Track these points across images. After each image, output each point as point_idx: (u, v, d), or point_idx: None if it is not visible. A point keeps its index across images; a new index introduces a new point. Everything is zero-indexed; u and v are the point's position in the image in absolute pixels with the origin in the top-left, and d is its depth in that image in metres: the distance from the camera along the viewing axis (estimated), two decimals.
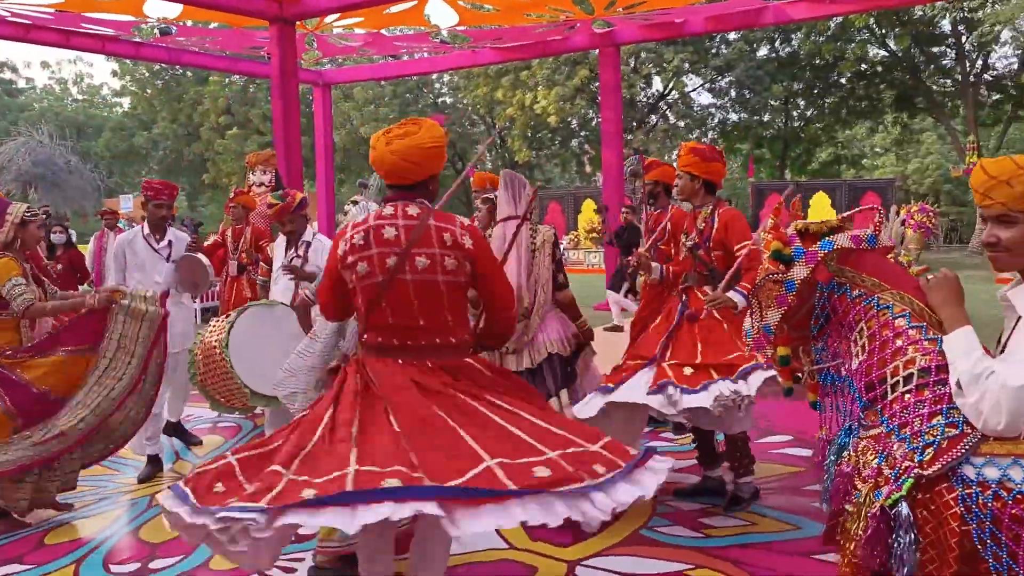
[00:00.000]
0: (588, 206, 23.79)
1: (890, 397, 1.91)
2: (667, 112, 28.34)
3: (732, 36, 25.97)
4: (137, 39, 12.68)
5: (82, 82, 41.90)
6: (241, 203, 7.07)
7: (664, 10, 11.15)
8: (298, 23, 10.73)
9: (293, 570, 3.38)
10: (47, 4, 10.01)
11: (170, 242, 4.85)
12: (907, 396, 1.88)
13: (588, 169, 33.80)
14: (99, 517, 4.17)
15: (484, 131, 35.31)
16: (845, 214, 2.31)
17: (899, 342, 1.94)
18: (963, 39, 24.88)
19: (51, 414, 3.87)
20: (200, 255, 4.90)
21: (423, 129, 2.59)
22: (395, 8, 11.35)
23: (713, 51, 26.31)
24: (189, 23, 12.41)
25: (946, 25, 24.94)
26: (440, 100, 33.91)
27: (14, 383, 3.83)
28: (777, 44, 27.67)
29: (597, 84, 25.44)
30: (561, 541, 3.55)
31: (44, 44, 12.02)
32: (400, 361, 2.52)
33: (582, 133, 30.39)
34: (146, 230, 4.84)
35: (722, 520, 3.78)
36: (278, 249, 4.77)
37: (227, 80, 30.96)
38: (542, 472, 2.11)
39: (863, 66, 26.23)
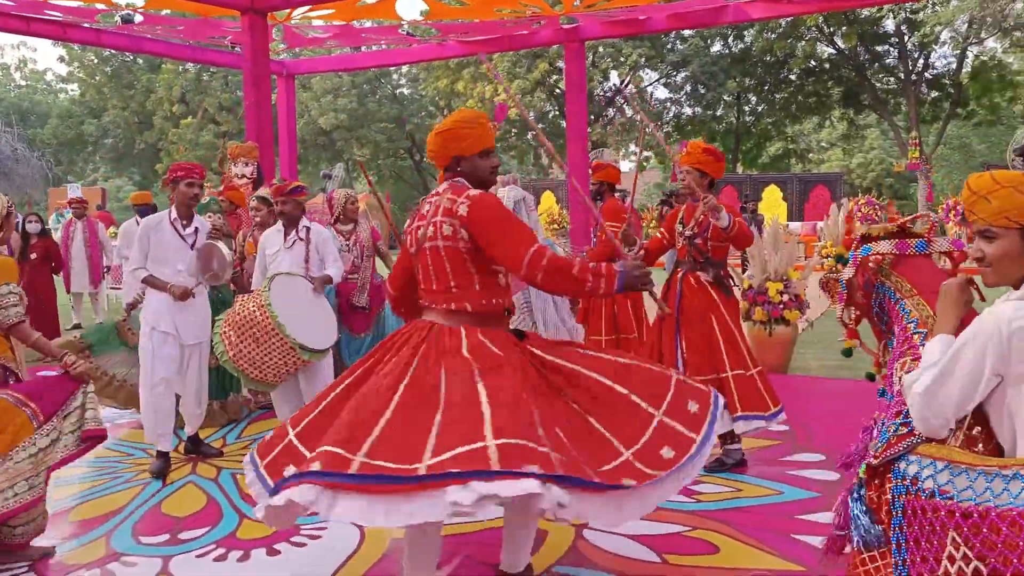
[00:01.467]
0: (547, 197, 24.14)
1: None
2: (624, 106, 28.86)
3: (688, 33, 26.55)
4: (99, 26, 12.52)
5: (25, 67, 40.64)
6: (230, 198, 6.58)
7: (628, 7, 11.48)
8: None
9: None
10: None
11: (196, 229, 4.62)
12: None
13: (544, 161, 34.13)
14: (121, 494, 4.31)
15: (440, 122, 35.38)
16: (907, 217, 2.52)
17: (905, 346, 2.21)
18: (906, 39, 25.87)
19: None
20: (219, 243, 4.76)
21: (450, 117, 2.88)
22: (368, 0, 11.48)
23: (669, 47, 26.86)
24: (153, 11, 12.30)
25: (890, 25, 25.90)
26: (399, 91, 33.87)
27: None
28: (731, 41, 28.37)
29: (556, 78, 25.78)
30: None
31: (4, 31, 11.80)
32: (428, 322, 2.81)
33: (540, 125, 30.72)
34: (173, 215, 4.57)
35: (711, 487, 4.11)
36: (272, 236, 4.98)
37: (181, 68, 30.43)
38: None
39: (812, 63, 27.06)
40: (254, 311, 4.36)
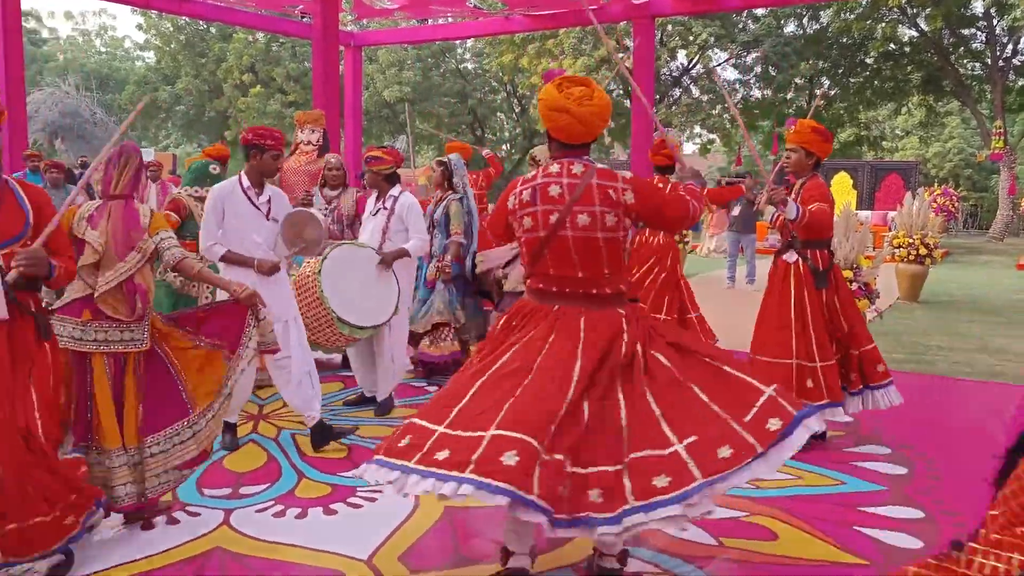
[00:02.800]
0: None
1: None
2: (691, 86, 28.23)
3: (760, 12, 25.77)
4: None
5: (105, 34, 41.81)
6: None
7: None
8: None
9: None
10: None
11: (270, 198, 4.23)
12: None
13: (608, 140, 33.75)
14: None
15: (504, 98, 35.22)
16: None
17: None
18: (994, 22, 24.65)
19: (171, 421, 3.33)
20: (312, 209, 4.50)
21: (597, 92, 2.75)
22: None
23: (740, 26, 26.12)
24: None
25: (979, 7, 24.69)
26: (463, 66, 33.81)
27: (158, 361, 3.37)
28: (805, 21, 27.44)
29: (621, 55, 25.41)
30: None
31: None
32: (557, 307, 2.78)
33: None
34: (245, 183, 4.17)
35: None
36: (370, 200, 5.07)
37: (251, 38, 30.93)
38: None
39: (891, 46, 26.01)
40: (308, 275, 4.40)
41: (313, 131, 8.46)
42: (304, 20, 14.76)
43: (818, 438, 4.40)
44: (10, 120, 11.13)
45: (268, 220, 4.18)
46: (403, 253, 4.84)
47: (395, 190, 4.98)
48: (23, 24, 11.87)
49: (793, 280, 4.33)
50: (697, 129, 29.87)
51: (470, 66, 34.21)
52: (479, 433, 2.46)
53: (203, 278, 3.61)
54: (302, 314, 4.36)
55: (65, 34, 43.48)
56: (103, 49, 41.78)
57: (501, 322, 2.89)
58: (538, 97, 2.82)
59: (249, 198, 4.18)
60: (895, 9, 24.66)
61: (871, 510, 3.59)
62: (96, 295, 3.15)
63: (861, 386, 4.43)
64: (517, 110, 35.31)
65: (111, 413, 3.19)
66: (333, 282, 4.38)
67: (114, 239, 3.21)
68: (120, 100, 34.09)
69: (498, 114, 36.11)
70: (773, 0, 12.68)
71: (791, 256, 4.36)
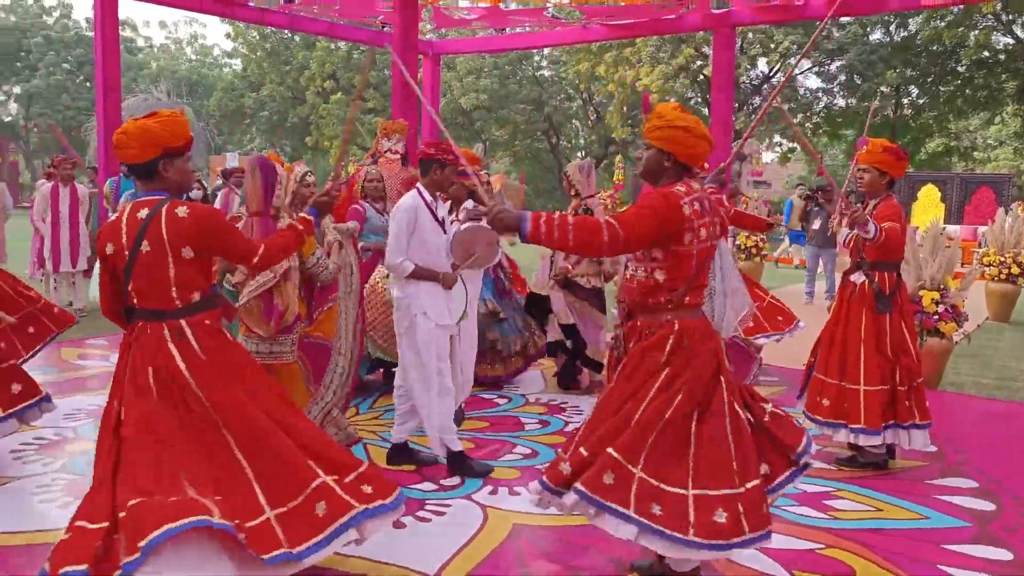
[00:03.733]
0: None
1: None
2: (771, 94, 27.64)
3: (845, 19, 25.04)
4: (264, 5, 13.19)
5: (196, 42, 43.63)
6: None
7: None
8: None
9: None
10: None
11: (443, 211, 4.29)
12: None
13: None
14: None
15: (580, 106, 35.17)
16: None
17: None
18: None
19: (327, 361, 4.05)
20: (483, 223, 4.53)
21: (690, 117, 2.96)
22: None
23: (824, 34, 25.43)
24: None
25: None
26: (539, 73, 33.92)
27: (312, 346, 4.07)
28: (893, 28, 26.54)
29: (699, 63, 25.05)
30: None
31: (182, 8, 12.66)
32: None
33: None
34: (428, 197, 4.15)
35: (849, 504, 3.89)
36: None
37: (333, 46, 31.74)
38: None
39: (984, 54, 24.91)
40: (377, 280, 4.46)
41: (398, 140, 8.64)
42: (384, 30, 15.09)
43: (880, 465, 4.35)
44: (106, 127, 11.68)
45: (445, 233, 4.18)
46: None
47: (469, 202, 5.02)
48: (119, 32, 12.46)
49: (857, 301, 4.31)
50: (777, 138, 29.19)
51: (546, 73, 34.31)
52: (680, 491, 2.68)
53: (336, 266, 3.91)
54: (373, 321, 4.43)
55: (158, 42, 45.55)
56: (193, 56, 43.61)
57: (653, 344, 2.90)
58: (666, 121, 2.85)
59: (432, 212, 4.16)
60: (989, 16, 23.63)
61: (955, 548, 3.43)
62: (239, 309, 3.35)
63: (909, 421, 4.24)
64: (593, 117, 35.21)
65: None
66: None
67: None
68: (208, 106, 35.45)
69: (573, 121, 36.09)
70: (861, 8, 12.27)
71: (858, 277, 4.33)
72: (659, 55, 23.83)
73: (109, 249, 2.77)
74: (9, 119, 43.07)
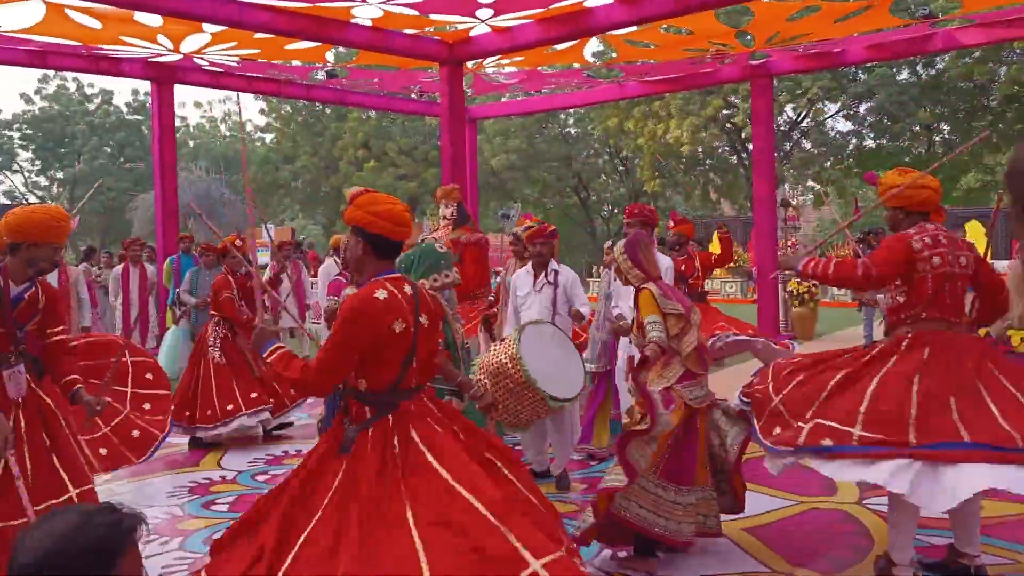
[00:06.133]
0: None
1: None
2: (802, 139, 27.74)
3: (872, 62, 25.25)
4: (310, 82, 13.63)
5: (230, 119, 44.99)
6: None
7: (826, 40, 11.07)
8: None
9: None
10: (236, 53, 10.99)
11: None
12: None
13: (713, 196, 33.45)
14: None
15: (608, 160, 35.56)
16: None
17: None
18: None
19: None
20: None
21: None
22: (558, 47, 11.79)
23: (851, 76, 25.64)
24: (357, 66, 13.28)
25: None
26: (565, 131, 34.43)
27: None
28: (919, 68, 26.69)
29: (725, 112, 25.33)
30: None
31: (230, 89, 13.12)
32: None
33: (707, 162, 30.23)
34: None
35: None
36: (522, 277, 5.14)
37: (364, 116, 32.56)
38: None
39: (1015, 88, 24.89)
40: (506, 363, 4.45)
41: (447, 205, 8.76)
42: (423, 99, 15.49)
43: None
44: (164, 204, 12.03)
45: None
46: (580, 315, 4.90)
47: (553, 264, 5.07)
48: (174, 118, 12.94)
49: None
50: (809, 183, 29.20)
51: (572, 131, 34.82)
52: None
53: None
54: (506, 401, 4.45)
55: (194, 121, 47.05)
56: (227, 133, 44.92)
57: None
58: (891, 185, 3.89)
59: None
60: (1019, 50, 23.69)
61: None
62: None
63: None
64: (621, 170, 35.53)
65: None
66: (534, 364, 4.43)
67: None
68: (244, 181, 36.32)
69: (601, 176, 36.46)
70: (899, 52, 12.36)
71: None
72: (688, 107, 24.12)
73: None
74: (53, 203, 44.38)
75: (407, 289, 2.82)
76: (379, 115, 32.79)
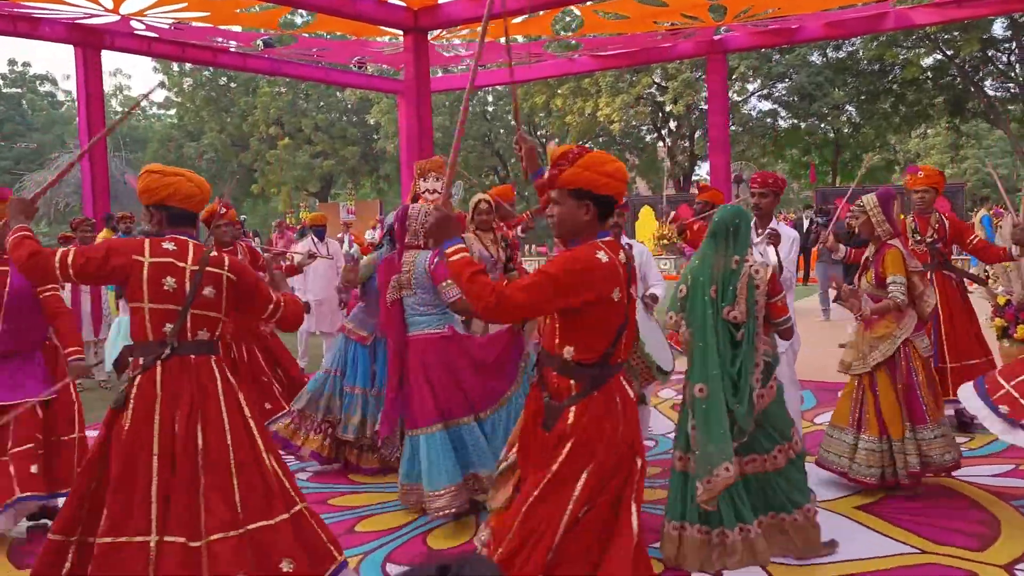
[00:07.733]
0: (646, 212, 23.78)
1: None
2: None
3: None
4: (247, 51, 12.74)
5: (120, 94, 42.07)
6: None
7: (789, 16, 11.18)
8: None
9: None
10: (185, 16, 10.10)
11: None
12: None
13: (631, 175, 33.83)
14: (398, 514, 4.21)
15: (532, 138, 35.33)
16: None
17: None
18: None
19: None
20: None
21: None
22: (522, 18, 11.43)
23: (768, 57, 26.30)
24: (304, 35, 12.52)
25: (997, 29, 24.89)
26: (484, 109, 34.00)
27: None
28: (828, 51, 27.64)
29: (651, 90, 25.54)
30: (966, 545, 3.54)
31: (161, 56, 12.10)
32: None
33: (624, 140, 30.49)
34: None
35: None
36: None
37: (276, 91, 31.13)
38: None
39: (920, 73, 26.10)
40: None
41: (437, 179, 8.31)
42: (361, 71, 14.82)
43: None
44: (94, 181, 11.10)
45: None
46: (656, 298, 4.64)
47: (625, 239, 4.78)
48: (38, 89, 11.84)
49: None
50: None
51: (490, 108, 34.40)
52: None
53: None
54: None
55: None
56: (119, 108, 41.99)
57: None
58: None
59: None
60: (917, 34, 24.83)
61: None
62: None
63: None
64: (540, 151, 35.40)
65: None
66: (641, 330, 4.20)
67: None
68: (144, 158, 34.16)
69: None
70: (854, 30, 12.65)
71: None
72: (618, 85, 24.16)
73: None
74: None
75: (621, 256, 2.51)
76: (292, 90, 31.42)
